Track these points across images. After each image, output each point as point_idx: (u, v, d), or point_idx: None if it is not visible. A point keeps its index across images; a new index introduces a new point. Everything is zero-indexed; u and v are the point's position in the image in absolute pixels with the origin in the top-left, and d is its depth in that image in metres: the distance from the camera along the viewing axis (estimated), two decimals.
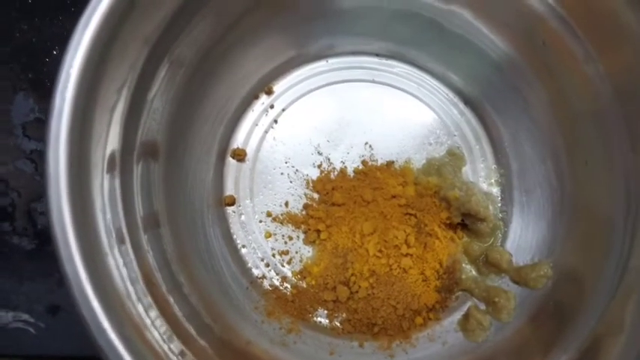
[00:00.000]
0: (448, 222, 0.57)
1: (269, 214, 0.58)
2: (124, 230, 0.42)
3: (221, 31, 0.50)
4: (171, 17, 0.43)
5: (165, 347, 0.41)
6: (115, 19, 0.38)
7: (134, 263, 0.42)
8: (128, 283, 0.40)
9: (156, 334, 0.41)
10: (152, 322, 0.41)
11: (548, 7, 0.49)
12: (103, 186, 0.40)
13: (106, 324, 0.35)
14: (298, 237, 0.58)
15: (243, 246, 0.57)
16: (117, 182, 0.42)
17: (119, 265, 0.40)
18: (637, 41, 0.43)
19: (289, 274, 0.57)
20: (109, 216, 0.40)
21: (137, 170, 0.45)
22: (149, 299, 0.42)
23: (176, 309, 0.45)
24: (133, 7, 0.39)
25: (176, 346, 0.42)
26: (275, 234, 0.58)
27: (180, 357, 0.41)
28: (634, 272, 0.44)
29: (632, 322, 0.42)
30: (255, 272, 0.57)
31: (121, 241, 0.41)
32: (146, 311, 0.41)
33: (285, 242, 0.57)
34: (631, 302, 0.43)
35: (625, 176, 0.47)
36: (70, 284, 0.35)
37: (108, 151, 0.41)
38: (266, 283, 0.57)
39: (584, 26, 0.47)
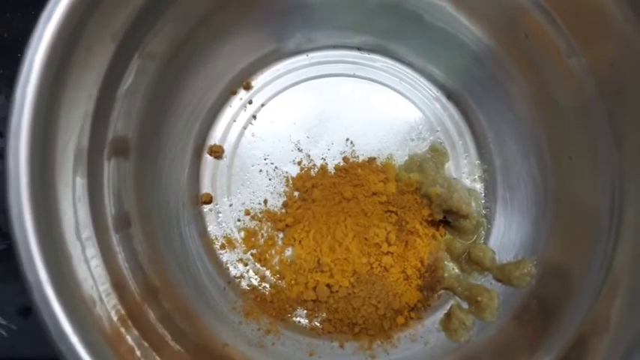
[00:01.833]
0: (430, 219, 0.56)
1: (247, 213, 0.57)
2: (92, 231, 0.40)
3: (192, 27, 0.48)
4: (139, 13, 0.42)
5: (139, 353, 0.40)
6: (79, 14, 0.37)
7: (102, 266, 0.40)
8: (96, 287, 0.39)
9: (128, 339, 0.39)
10: (123, 328, 0.39)
11: None
12: (69, 185, 0.39)
13: (69, 330, 0.34)
14: (277, 235, 0.56)
15: (221, 245, 0.56)
16: (84, 181, 0.40)
17: (86, 268, 0.38)
18: (621, 35, 0.42)
19: (268, 273, 0.55)
20: (74, 216, 0.39)
21: (107, 168, 0.44)
22: (118, 304, 0.40)
23: (149, 313, 0.44)
24: (97, 2, 0.38)
25: (147, 353, 0.40)
26: (253, 232, 0.56)
27: None
28: (619, 269, 0.43)
29: (617, 321, 0.41)
30: (233, 272, 0.55)
31: (88, 242, 0.39)
32: (116, 317, 0.39)
33: (264, 241, 0.56)
34: (617, 300, 0.42)
35: (610, 172, 0.46)
36: (30, 289, 0.34)
37: (75, 149, 0.40)
38: (244, 283, 0.55)
39: (567, 18, 0.46)
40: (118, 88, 0.44)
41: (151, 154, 0.50)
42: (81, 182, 0.40)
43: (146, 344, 0.41)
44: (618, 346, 0.39)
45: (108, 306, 0.39)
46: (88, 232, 0.40)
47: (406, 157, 0.59)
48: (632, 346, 0.37)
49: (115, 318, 0.39)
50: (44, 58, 0.36)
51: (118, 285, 0.41)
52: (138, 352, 0.40)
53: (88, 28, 0.38)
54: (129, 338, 0.40)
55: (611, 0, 0.42)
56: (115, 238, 0.43)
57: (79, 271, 0.38)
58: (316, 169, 0.58)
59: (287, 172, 0.58)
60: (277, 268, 0.55)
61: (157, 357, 0.40)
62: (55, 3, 0.36)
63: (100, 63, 0.41)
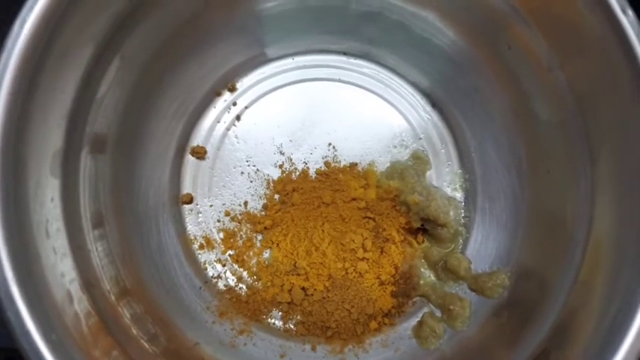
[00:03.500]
0: (407, 227, 0.56)
1: (227, 214, 0.57)
2: (64, 230, 0.41)
3: (174, 32, 0.49)
4: (119, 18, 0.43)
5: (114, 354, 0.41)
6: (56, 17, 0.37)
7: (74, 265, 0.41)
8: (66, 286, 0.39)
9: (101, 341, 0.40)
10: (95, 330, 0.40)
11: (513, 10, 0.47)
12: (42, 185, 0.39)
13: (32, 329, 0.35)
14: (256, 237, 0.57)
15: (200, 245, 0.57)
16: (58, 181, 0.41)
17: (55, 266, 0.39)
18: (598, 51, 0.42)
19: (245, 274, 0.56)
20: (45, 216, 0.39)
21: (84, 168, 0.45)
22: (89, 304, 0.41)
23: (124, 314, 0.44)
24: (76, 6, 0.38)
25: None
26: (232, 234, 0.57)
27: None
28: (590, 269, 0.43)
29: (596, 308, 0.41)
30: (211, 272, 0.56)
31: (58, 241, 0.40)
32: (87, 317, 0.40)
33: (243, 242, 0.57)
34: (592, 292, 0.42)
35: (585, 186, 0.46)
36: None
37: (50, 150, 0.40)
38: (221, 284, 0.56)
39: (547, 32, 0.46)
40: (98, 91, 0.44)
41: (131, 154, 0.51)
42: (55, 183, 0.41)
43: (119, 347, 0.41)
44: (598, 332, 0.39)
45: (78, 306, 0.40)
46: (59, 231, 0.40)
47: (388, 164, 0.59)
48: (612, 330, 0.37)
49: (85, 318, 0.40)
50: (20, 61, 0.36)
51: (90, 284, 0.42)
52: (112, 356, 0.41)
53: (65, 32, 0.39)
54: (101, 340, 0.41)
55: (590, 16, 0.42)
56: (89, 237, 0.44)
57: (47, 270, 0.38)
58: (297, 173, 0.58)
59: (268, 175, 0.58)
60: (254, 269, 0.56)
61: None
62: (31, 5, 0.37)
63: (78, 66, 0.41)
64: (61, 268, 0.40)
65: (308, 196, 0.56)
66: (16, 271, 0.35)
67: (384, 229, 0.55)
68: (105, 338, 0.41)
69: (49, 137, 0.40)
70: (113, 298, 0.44)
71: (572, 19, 0.43)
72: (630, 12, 0.40)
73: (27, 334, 0.34)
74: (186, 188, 0.58)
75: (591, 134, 0.45)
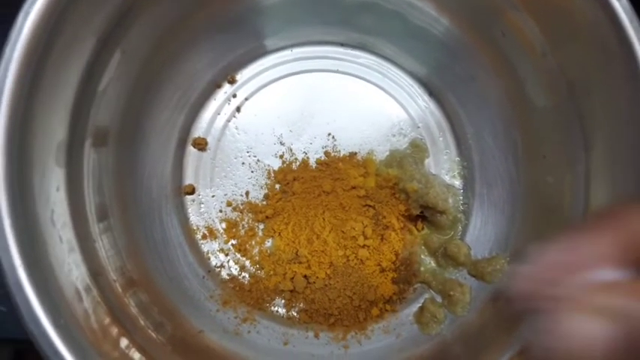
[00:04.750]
0: (407, 214, 0.57)
1: (229, 204, 0.58)
2: (69, 220, 0.42)
3: (174, 24, 0.49)
4: (119, 11, 0.43)
5: (122, 345, 0.42)
6: (59, 10, 0.38)
7: (80, 255, 0.42)
8: (72, 275, 0.40)
9: (109, 330, 0.41)
10: (103, 319, 0.41)
11: None
12: (47, 175, 0.40)
13: (41, 314, 0.36)
14: (258, 227, 0.58)
15: (202, 235, 0.58)
16: (63, 171, 0.42)
17: (61, 255, 0.40)
18: (590, 36, 0.43)
19: (247, 263, 0.57)
20: (51, 205, 0.40)
21: (88, 160, 0.45)
22: (97, 293, 0.42)
23: (130, 304, 0.45)
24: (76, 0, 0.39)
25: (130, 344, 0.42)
26: (235, 223, 0.58)
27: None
28: None
29: None
30: (214, 262, 0.57)
31: (64, 230, 0.41)
32: (94, 306, 0.41)
33: (245, 232, 0.58)
34: None
35: (579, 172, 0.46)
36: (5, 274, 0.36)
37: (55, 141, 0.41)
38: (224, 273, 0.57)
39: (539, 17, 0.46)
40: (100, 83, 0.45)
41: (133, 146, 0.52)
42: (60, 172, 0.42)
43: (128, 336, 0.42)
44: None
45: (87, 296, 0.41)
46: (65, 221, 0.41)
47: (387, 153, 0.60)
48: None
49: (93, 308, 0.41)
50: (24, 53, 0.37)
51: (96, 274, 0.43)
52: (121, 344, 0.42)
53: (68, 25, 0.39)
54: (110, 329, 0.41)
55: (582, 0, 0.42)
56: (94, 229, 0.45)
57: (55, 258, 0.39)
58: (298, 163, 0.59)
59: (269, 165, 0.59)
60: (257, 258, 0.57)
61: (139, 348, 0.42)
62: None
63: (79, 59, 0.42)
64: (67, 258, 0.40)
65: (308, 185, 0.57)
66: (24, 258, 0.36)
67: (384, 217, 0.56)
68: (113, 327, 0.41)
69: (53, 129, 0.41)
70: (119, 288, 0.45)
71: (563, 3, 0.44)
72: None
73: (36, 319, 0.35)
74: (189, 179, 0.59)
75: (585, 120, 0.45)
